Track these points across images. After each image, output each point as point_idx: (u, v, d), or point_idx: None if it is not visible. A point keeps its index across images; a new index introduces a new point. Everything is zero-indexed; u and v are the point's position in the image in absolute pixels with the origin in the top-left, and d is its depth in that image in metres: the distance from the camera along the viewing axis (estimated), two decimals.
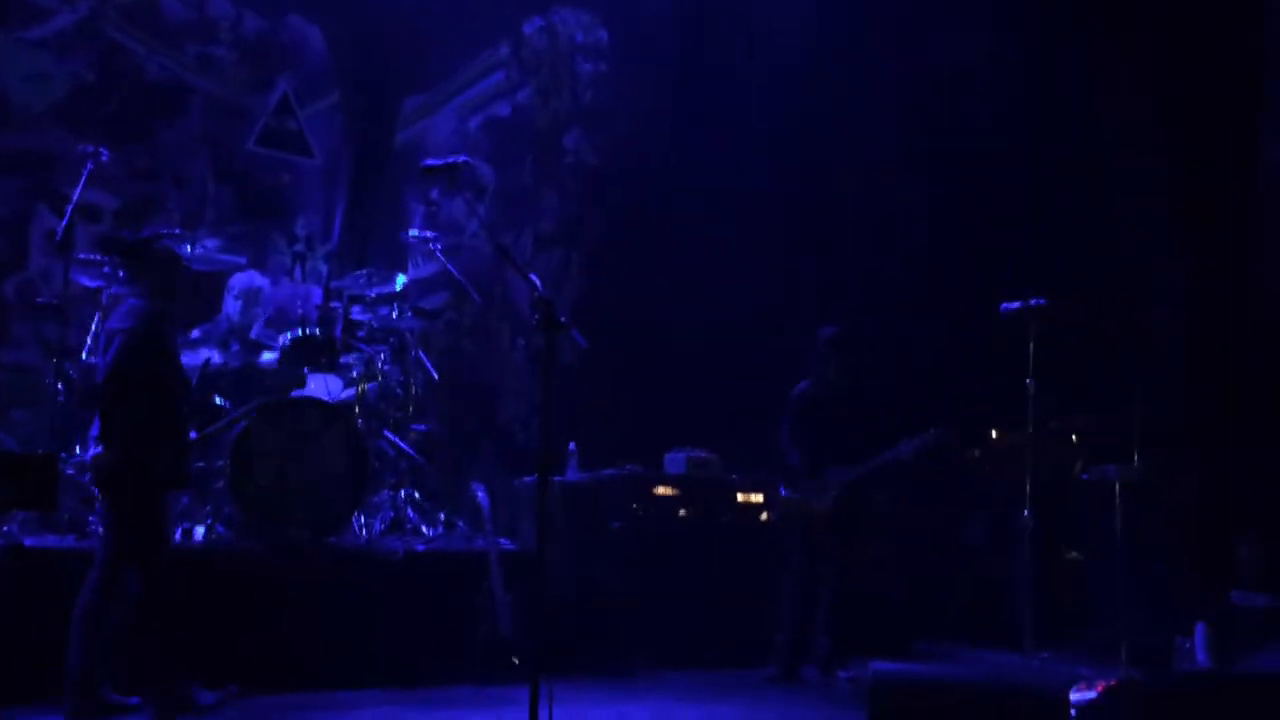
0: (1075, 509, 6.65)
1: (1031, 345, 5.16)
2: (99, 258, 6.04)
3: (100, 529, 5.31)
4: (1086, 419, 6.66)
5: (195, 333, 6.28)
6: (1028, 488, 5.58)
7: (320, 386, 6.08)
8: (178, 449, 4.60)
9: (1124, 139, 7.05)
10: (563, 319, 3.40)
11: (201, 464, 5.76)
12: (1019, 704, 3.70)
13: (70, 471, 5.61)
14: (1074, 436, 6.68)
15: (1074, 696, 4.38)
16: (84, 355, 5.91)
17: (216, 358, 6.13)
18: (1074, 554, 6.94)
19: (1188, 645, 5.56)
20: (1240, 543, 5.77)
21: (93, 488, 4.91)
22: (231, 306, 6.52)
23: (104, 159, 6.11)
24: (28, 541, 4.95)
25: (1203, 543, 6.05)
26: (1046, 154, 7.28)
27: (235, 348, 6.18)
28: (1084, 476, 6.36)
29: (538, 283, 3.55)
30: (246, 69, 8.32)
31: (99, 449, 4.54)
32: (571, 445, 6.74)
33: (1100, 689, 4.32)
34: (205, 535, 5.61)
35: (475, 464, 7.49)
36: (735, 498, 6.79)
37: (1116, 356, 6.77)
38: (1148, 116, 6.95)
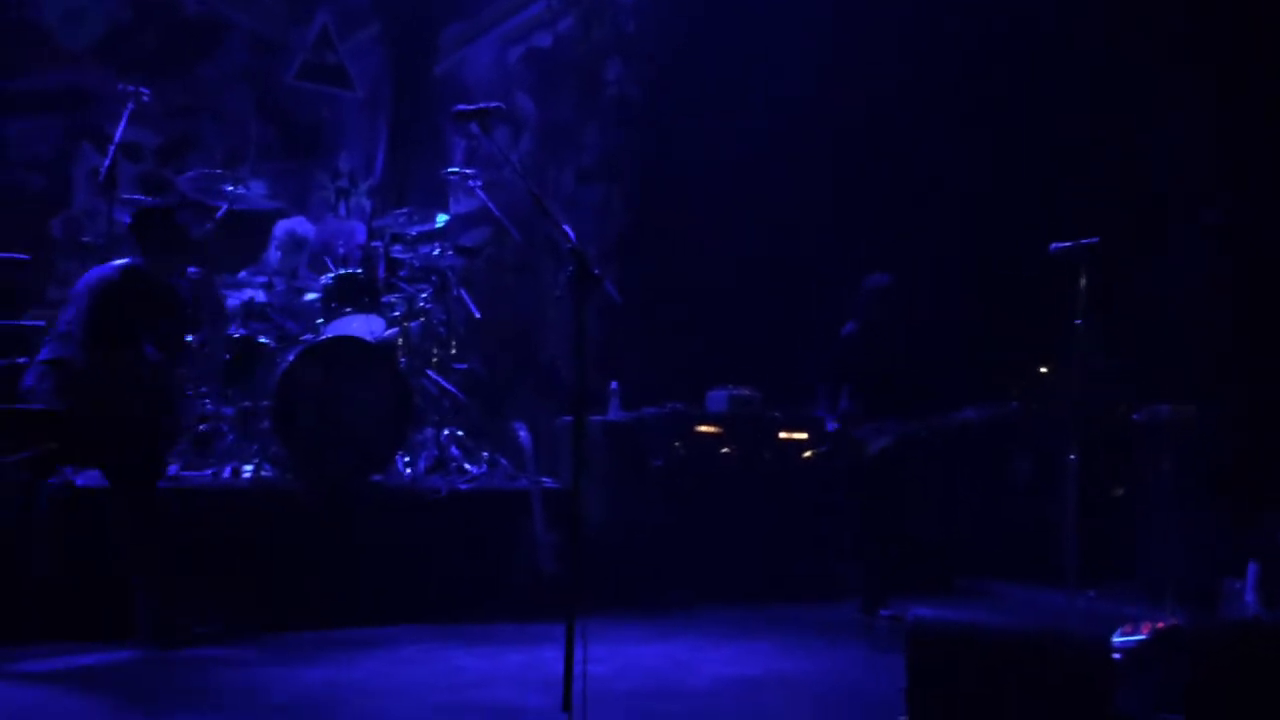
0: (1123, 448, 6.56)
1: (1082, 284, 5.03)
2: (143, 197, 6.07)
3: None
4: (1135, 359, 6.53)
5: (241, 274, 6.31)
6: (1074, 426, 5.48)
7: (363, 326, 6.10)
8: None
9: (1163, 77, 6.83)
10: (596, 271, 3.35)
11: (248, 404, 5.84)
12: (1061, 650, 3.67)
13: None
14: (1121, 376, 6.55)
15: (1118, 640, 4.35)
16: None
17: (261, 297, 6.17)
18: (1120, 492, 6.86)
19: (1237, 586, 5.49)
20: None
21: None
22: (274, 254, 6.54)
23: (145, 98, 6.11)
24: (79, 481, 5.06)
25: (1253, 483, 5.94)
26: (1090, 97, 7.08)
27: (280, 288, 6.21)
28: (1135, 416, 6.27)
29: (571, 234, 3.51)
30: (284, 1, 8.26)
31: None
32: (614, 384, 6.75)
33: (1146, 632, 4.29)
34: (252, 474, 5.69)
35: (518, 402, 7.53)
36: (777, 435, 6.77)
37: (1164, 295, 6.63)
38: (1187, 54, 6.72)
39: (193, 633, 4.82)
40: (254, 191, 6.29)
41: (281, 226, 6.61)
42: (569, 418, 6.46)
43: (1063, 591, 5.34)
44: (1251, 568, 5.38)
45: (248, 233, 6.68)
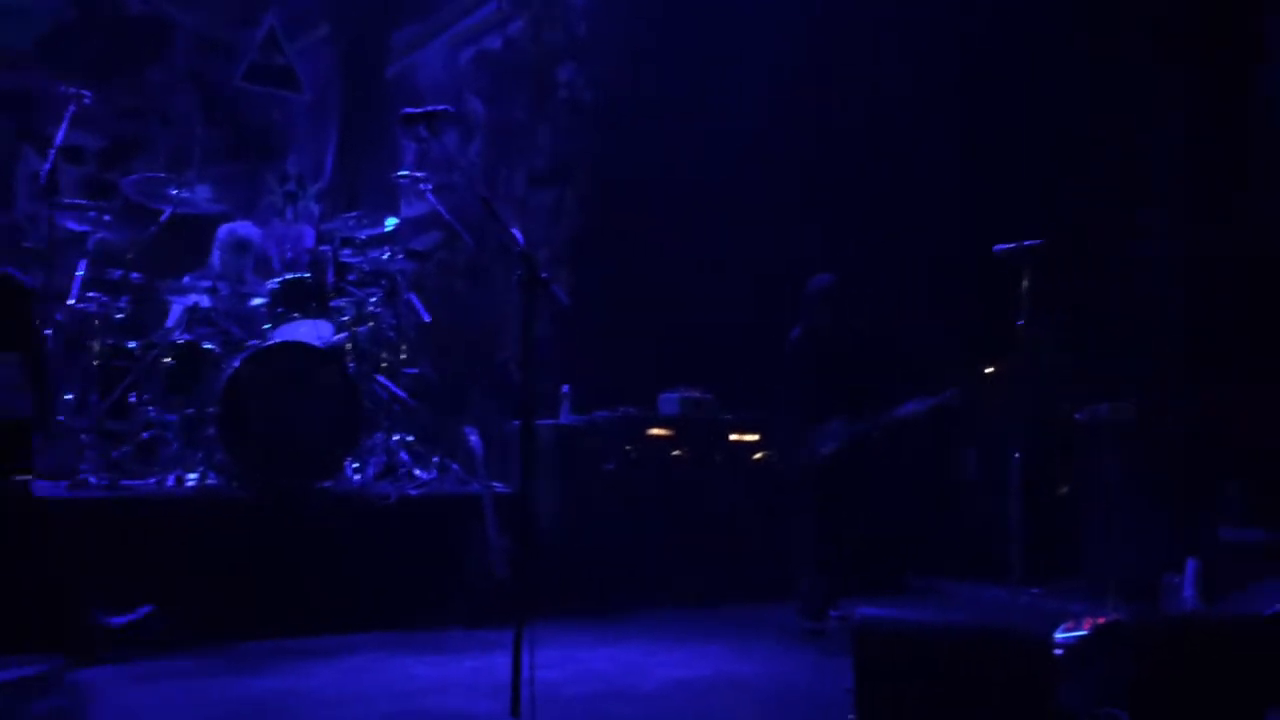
0: (1067, 447, 6.67)
1: (1025, 285, 5.11)
2: (85, 202, 5.99)
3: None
4: (1079, 358, 6.64)
5: (185, 279, 6.24)
6: (1020, 424, 5.56)
7: (311, 331, 6.06)
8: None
9: (1116, 80, 6.95)
10: (545, 274, 3.36)
11: (192, 411, 5.77)
12: (1004, 646, 3.72)
13: (61, 418, 5.63)
14: (1066, 375, 6.66)
15: (1060, 636, 4.42)
16: (71, 300, 5.88)
17: (206, 302, 6.10)
18: (1065, 490, 6.97)
19: (1176, 581, 5.60)
20: (1229, 480, 5.78)
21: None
22: (217, 258, 6.47)
23: (87, 101, 6.04)
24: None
25: (1192, 480, 6.07)
26: (1042, 98, 7.18)
27: (225, 292, 6.14)
28: (1077, 416, 6.37)
29: (519, 237, 3.50)
30: (232, 2, 8.18)
31: None
32: (565, 388, 6.75)
33: (1088, 627, 4.36)
34: (197, 482, 5.63)
35: (469, 407, 7.52)
36: (729, 438, 6.80)
37: (1109, 297, 6.74)
38: (1145, 57, 6.84)
39: (112, 642, 4.71)
40: (199, 195, 6.23)
41: (224, 229, 6.55)
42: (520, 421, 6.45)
43: (1008, 589, 5.41)
44: (1190, 564, 5.48)
45: (193, 237, 6.61)
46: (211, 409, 5.60)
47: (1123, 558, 6.03)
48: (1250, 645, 3.80)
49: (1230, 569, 5.32)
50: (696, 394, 6.91)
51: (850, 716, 3.68)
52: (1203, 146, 6.65)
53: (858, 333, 5.93)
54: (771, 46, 7.76)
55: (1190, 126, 6.72)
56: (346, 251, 6.50)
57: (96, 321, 5.83)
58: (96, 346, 5.80)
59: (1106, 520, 6.25)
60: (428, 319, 6.69)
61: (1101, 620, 4.28)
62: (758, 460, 6.75)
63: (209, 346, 5.96)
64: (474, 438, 5.99)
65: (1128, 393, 6.50)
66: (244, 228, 6.62)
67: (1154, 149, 6.93)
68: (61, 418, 5.61)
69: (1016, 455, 5.34)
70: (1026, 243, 5.17)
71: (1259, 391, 5.92)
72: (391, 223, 6.58)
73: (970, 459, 7.35)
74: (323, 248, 6.65)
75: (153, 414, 5.80)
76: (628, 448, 6.61)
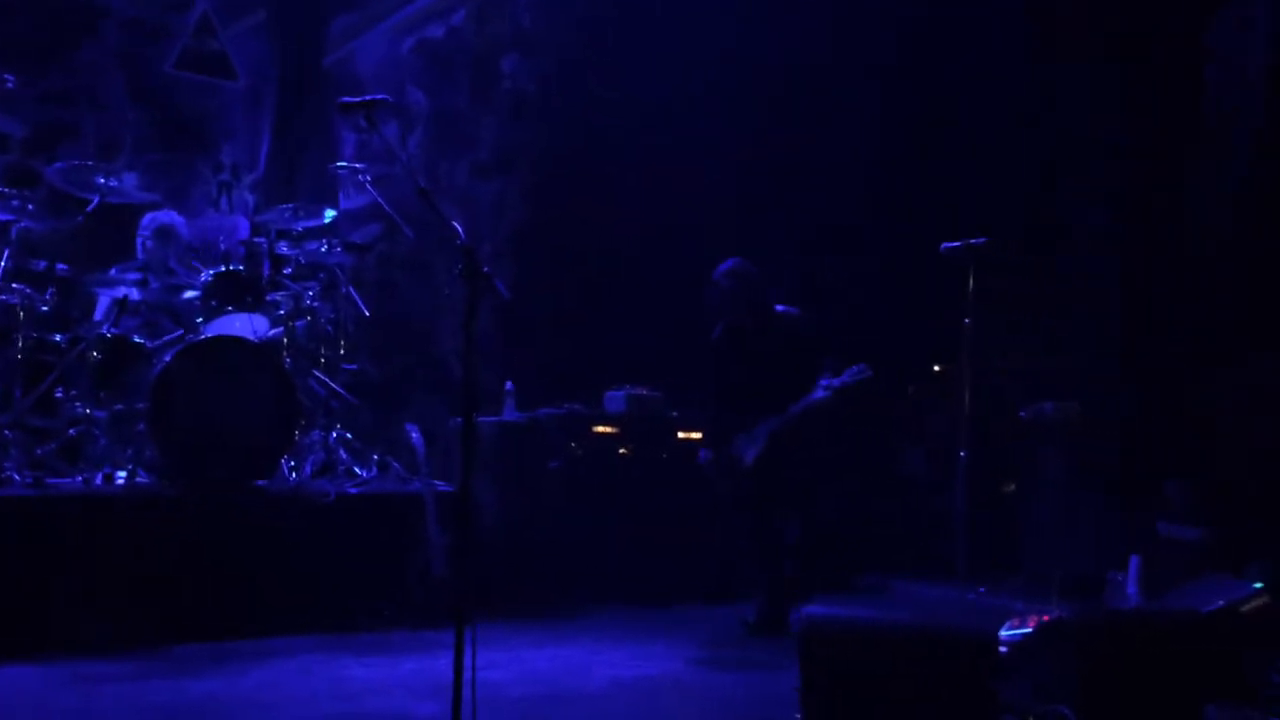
0: (1012, 445, 6.78)
1: (970, 283, 5.19)
2: (9, 190, 5.84)
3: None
4: (1023, 357, 6.75)
5: (113, 270, 6.11)
6: (965, 423, 5.64)
7: (246, 325, 5.97)
8: None
9: (1059, 76, 7.08)
10: (486, 268, 3.35)
11: (121, 406, 5.65)
12: (949, 645, 3.77)
13: None
14: (1010, 374, 6.77)
15: (1004, 633, 4.49)
16: None
17: (135, 295, 5.99)
18: (1010, 488, 7.08)
19: (1119, 578, 5.71)
20: (1169, 479, 5.92)
21: None
22: (143, 247, 6.35)
23: (10, 85, 5.90)
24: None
25: (1133, 478, 6.20)
26: (987, 96, 7.29)
27: (154, 285, 6.03)
28: (1021, 414, 6.48)
29: (460, 230, 3.49)
30: None
31: None
32: (509, 384, 6.71)
33: (1032, 625, 4.43)
34: (126, 480, 5.51)
35: (410, 403, 7.45)
36: (676, 435, 6.82)
37: (1052, 296, 6.86)
38: (1088, 54, 6.98)
39: None
40: (128, 184, 6.12)
41: (147, 218, 6.44)
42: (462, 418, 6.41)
43: (954, 586, 5.49)
44: (1133, 560, 5.60)
45: (122, 227, 6.48)
46: (141, 405, 5.49)
47: (1066, 554, 6.14)
48: (1190, 641, 3.89)
49: (1171, 566, 5.44)
50: (643, 391, 6.92)
51: (797, 716, 3.71)
52: (1143, 144, 6.79)
53: (783, 327, 5.75)
54: (720, 38, 7.78)
55: (1131, 125, 6.86)
56: (283, 244, 6.41)
57: (20, 314, 5.67)
58: (20, 340, 5.65)
59: (1050, 517, 6.36)
60: (367, 313, 6.63)
61: (1046, 617, 4.35)
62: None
63: (139, 340, 5.85)
64: (415, 435, 5.95)
65: (1071, 392, 6.62)
66: (169, 216, 6.51)
67: (1094, 147, 7.06)
68: None
69: (962, 454, 5.42)
70: (972, 241, 5.25)
71: (1198, 390, 6.07)
72: (330, 214, 6.51)
73: (916, 457, 7.43)
74: (258, 239, 6.54)
75: (80, 410, 5.68)
76: (573, 445, 6.61)
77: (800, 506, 5.75)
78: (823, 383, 5.56)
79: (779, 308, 5.80)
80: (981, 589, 5.83)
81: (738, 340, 5.83)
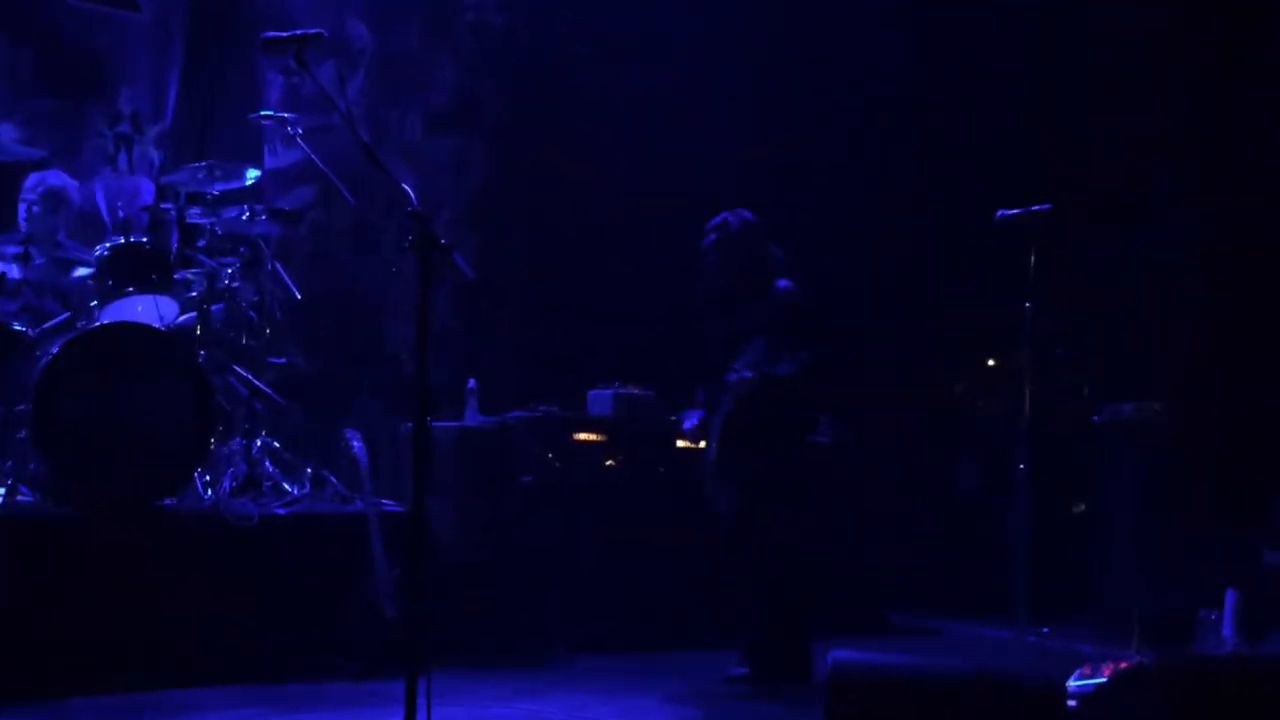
0: (1083, 455, 6.81)
1: (1032, 260, 5.20)
2: None
3: None
4: (1097, 349, 6.78)
5: None
6: (1026, 428, 5.66)
7: (150, 309, 5.97)
8: None
9: (1140, 39, 7.13)
10: (445, 240, 3.36)
11: None
12: (1006, 697, 3.79)
13: None
14: (1082, 369, 6.80)
15: (1073, 684, 4.53)
16: None
17: (15, 273, 5.99)
18: (1081, 508, 7.13)
19: (1214, 617, 5.74)
20: (1277, 496, 5.95)
21: None
22: (26, 213, 6.35)
23: None
24: None
25: (1233, 496, 6.22)
26: (1055, 54, 7.33)
27: (39, 261, 6.03)
28: (1095, 418, 6.52)
29: (412, 195, 3.49)
30: None
31: None
32: (471, 382, 6.74)
33: (1107, 674, 4.47)
34: (4, 499, 5.51)
35: (351, 405, 7.47)
36: (674, 444, 6.83)
37: (1134, 276, 6.90)
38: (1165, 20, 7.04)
39: None
40: (6, 137, 6.11)
41: (32, 179, 6.44)
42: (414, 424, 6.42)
43: (1012, 627, 5.52)
44: (1230, 595, 5.63)
45: None
46: (22, 406, 5.49)
47: (1148, 588, 6.18)
48: None
49: (1276, 602, 5.48)
50: (634, 390, 6.94)
51: None
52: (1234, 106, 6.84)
53: (777, 301, 5.62)
54: None
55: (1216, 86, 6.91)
56: (195, 210, 6.41)
57: None
58: None
59: (1129, 543, 6.39)
60: (298, 295, 6.63)
61: (1123, 665, 4.39)
62: None
63: (19, 328, 5.83)
64: (357, 444, 5.96)
65: (1156, 390, 6.66)
66: (55, 177, 6.51)
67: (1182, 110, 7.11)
68: None
69: (1022, 466, 5.44)
70: (1034, 208, 5.27)
71: None
72: (252, 175, 6.50)
73: (968, 470, 7.46)
74: (165, 205, 6.54)
75: None
76: (550, 456, 6.61)
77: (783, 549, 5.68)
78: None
79: (781, 283, 5.70)
80: (1046, 629, 5.87)
81: (723, 309, 5.81)
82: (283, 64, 7.72)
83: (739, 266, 5.74)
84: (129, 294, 5.97)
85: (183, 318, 6.18)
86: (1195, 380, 6.50)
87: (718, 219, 5.81)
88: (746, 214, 5.80)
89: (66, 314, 6.06)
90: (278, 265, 6.54)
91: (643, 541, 6.62)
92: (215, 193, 6.44)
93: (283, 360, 6.60)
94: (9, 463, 5.61)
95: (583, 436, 6.75)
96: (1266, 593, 5.66)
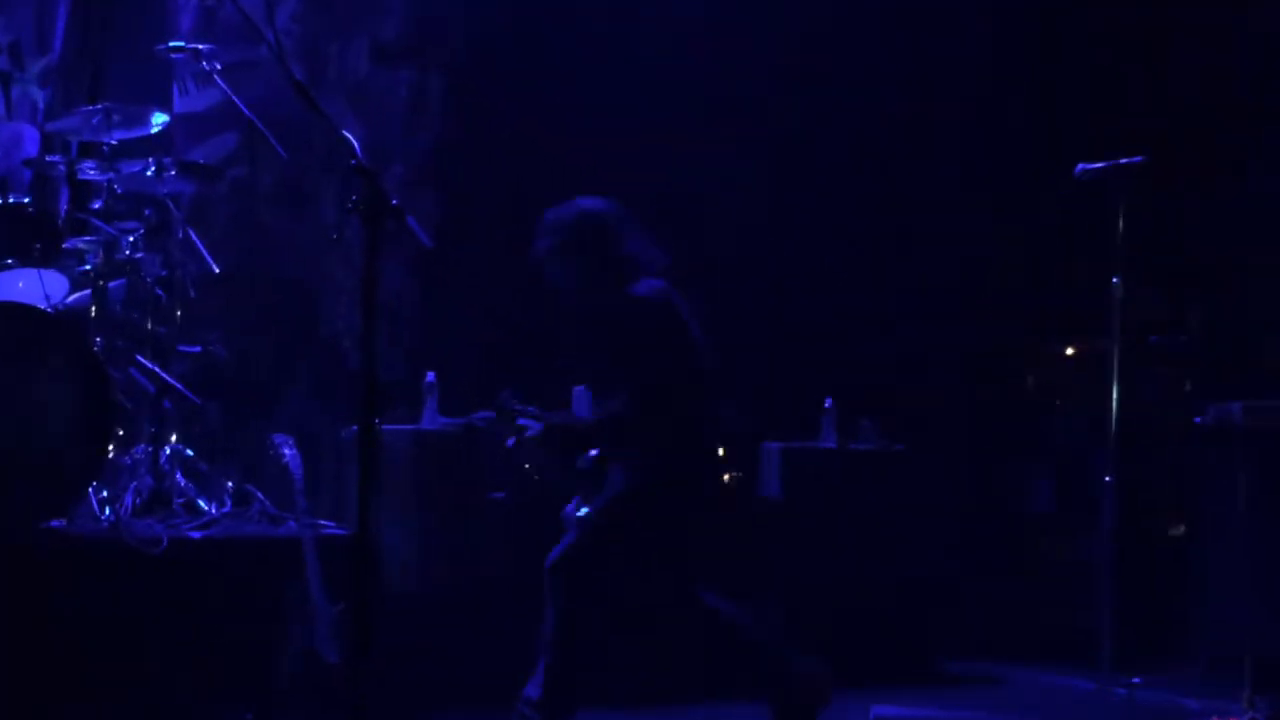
0: (1183, 464, 6.83)
1: (1120, 225, 5.22)
2: None
3: None
4: (1199, 335, 6.80)
5: None
6: (1113, 432, 5.68)
7: (33, 286, 5.97)
8: None
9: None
10: (396, 201, 3.37)
11: None
12: None
13: None
14: (1180, 360, 6.83)
15: None
16: None
17: None
18: (1180, 529, 7.15)
19: None
20: None
21: None
22: None
23: None
24: None
25: None
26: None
27: None
28: (1196, 420, 6.53)
29: (355, 144, 3.50)
30: None
31: None
32: (430, 375, 6.76)
33: None
34: None
35: (281, 404, 7.52)
36: None
37: (1247, 245, 6.92)
38: None
39: None
40: None
41: None
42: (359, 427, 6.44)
43: (1094, 676, 5.55)
44: None
45: None
46: None
47: (1264, 630, 6.20)
48: None
49: None
50: None
51: None
52: None
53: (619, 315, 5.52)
54: None
55: None
56: (89, 164, 6.43)
57: None
58: None
59: (1240, 574, 6.41)
60: (216, 269, 6.66)
61: None
62: (724, 484, 6.81)
63: None
64: (289, 451, 5.97)
65: (1272, 387, 6.67)
66: None
67: None
68: None
69: (1108, 479, 5.46)
70: (1123, 160, 5.29)
71: None
72: (159, 121, 6.54)
73: (1042, 485, 7.49)
74: (52, 158, 6.59)
75: None
76: (527, 466, 6.64)
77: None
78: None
79: (639, 287, 5.43)
80: (1136, 680, 5.90)
81: (565, 326, 5.83)
82: None
83: (577, 274, 5.56)
84: (8, 267, 5.99)
85: (73, 297, 6.21)
86: None
87: (550, 215, 5.61)
88: (590, 204, 5.60)
89: None
90: (190, 232, 6.57)
91: None
92: (113, 142, 6.43)
93: (197, 349, 6.66)
94: None
95: None
96: None
